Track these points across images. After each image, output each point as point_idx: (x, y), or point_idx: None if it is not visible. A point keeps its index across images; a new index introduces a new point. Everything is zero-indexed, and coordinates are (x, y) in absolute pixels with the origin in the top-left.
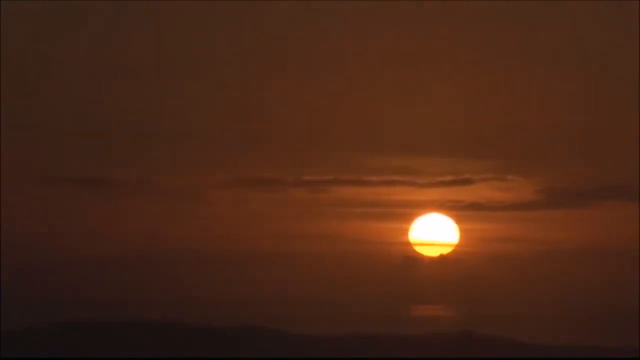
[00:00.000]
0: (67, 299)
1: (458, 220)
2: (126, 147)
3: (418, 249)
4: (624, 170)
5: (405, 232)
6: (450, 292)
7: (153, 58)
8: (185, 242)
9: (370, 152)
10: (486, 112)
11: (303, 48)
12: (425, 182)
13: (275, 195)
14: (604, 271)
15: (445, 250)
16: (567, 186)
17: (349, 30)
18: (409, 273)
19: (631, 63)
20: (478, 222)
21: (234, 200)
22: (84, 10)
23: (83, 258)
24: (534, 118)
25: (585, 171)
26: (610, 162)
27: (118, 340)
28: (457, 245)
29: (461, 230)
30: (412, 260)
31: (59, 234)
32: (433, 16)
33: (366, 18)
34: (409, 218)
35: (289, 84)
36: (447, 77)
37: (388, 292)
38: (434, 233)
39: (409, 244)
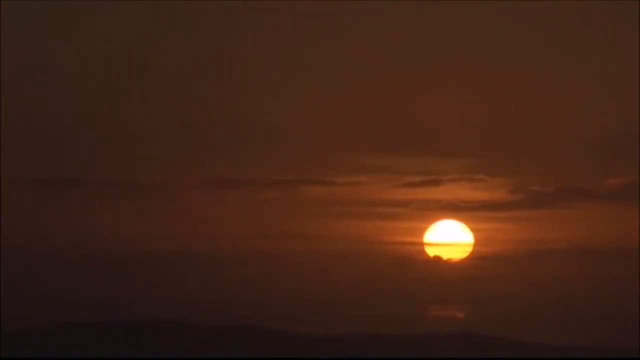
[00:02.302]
0: (67, 299)
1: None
2: (105, 148)
3: (409, 249)
4: (587, 171)
5: (393, 231)
6: (449, 293)
7: (136, 61)
8: (174, 241)
9: (344, 152)
10: (452, 111)
11: (274, 52)
12: (402, 182)
13: (249, 196)
14: (598, 271)
15: (445, 251)
16: (539, 187)
17: (317, 34)
18: (405, 273)
19: (601, 64)
20: (465, 223)
21: (217, 200)
22: (79, 12)
23: (71, 258)
24: (499, 117)
25: (551, 172)
26: (572, 163)
27: (118, 340)
28: (448, 245)
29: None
30: (407, 261)
31: (46, 235)
32: (403, 16)
33: (336, 20)
34: (391, 217)
35: (261, 86)
36: (415, 77)
37: (386, 292)
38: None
39: (398, 243)
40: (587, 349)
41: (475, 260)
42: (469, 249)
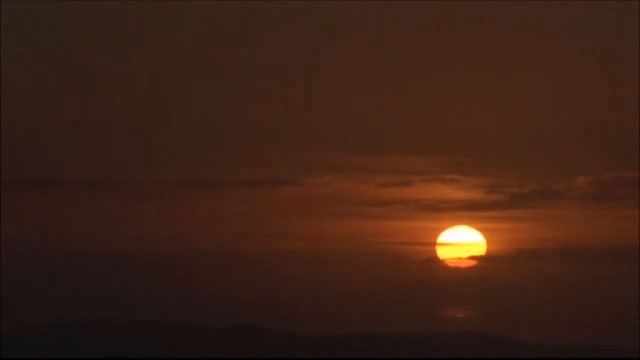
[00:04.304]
0: (67, 299)
1: (421, 219)
2: (87, 149)
3: (402, 249)
4: (557, 171)
5: (382, 231)
6: (447, 293)
7: (124, 63)
8: (159, 241)
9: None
10: (420, 111)
11: (255, 56)
12: (377, 182)
13: (226, 196)
14: (591, 270)
15: (438, 251)
16: (515, 187)
17: (293, 36)
18: (400, 274)
19: (575, 64)
20: (453, 223)
21: (195, 200)
22: (77, 12)
23: (65, 258)
24: (467, 116)
25: (523, 171)
26: (541, 163)
27: (118, 340)
28: (440, 245)
29: (435, 229)
30: (402, 261)
31: (39, 235)
32: (378, 18)
33: (310, 22)
34: (377, 217)
35: (239, 88)
36: (388, 76)
37: (383, 292)
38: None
39: (389, 243)
40: (587, 349)
41: (469, 260)
42: (463, 249)
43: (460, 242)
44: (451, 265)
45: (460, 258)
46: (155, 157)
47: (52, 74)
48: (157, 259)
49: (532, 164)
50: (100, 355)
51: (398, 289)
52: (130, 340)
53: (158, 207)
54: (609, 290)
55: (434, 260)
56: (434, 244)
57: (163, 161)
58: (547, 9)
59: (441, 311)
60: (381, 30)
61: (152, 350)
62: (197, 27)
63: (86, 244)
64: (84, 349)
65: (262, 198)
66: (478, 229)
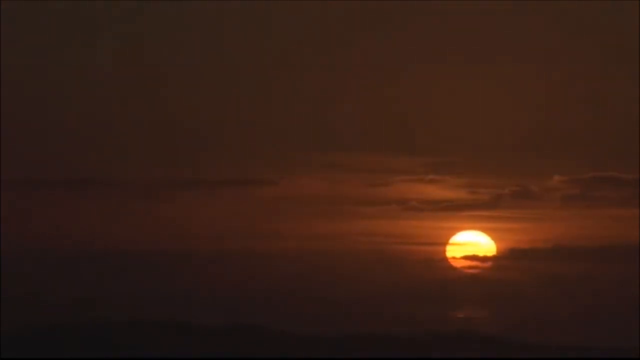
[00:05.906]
0: (67, 299)
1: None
2: (70, 148)
3: (397, 249)
4: (533, 171)
5: (374, 230)
6: (446, 293)
7: (118, 63)
8: (145, 240)
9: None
10: (402, 110)
11: (235, 54)
12: (359, 181)
13: (205, 196)
14: (586, 270)
15: (434, 251)
16: (495, 187)
17: (271, 34)
18: (396, 274)
19: (552, 66)
20: (444, 223)
21: (178, 200)
22: (78, 12)
23: (61, 258)
24: (443, 115)
25: (501, 171)
26: (520, 163)
27: (118, 340)
28: (436, 244)
29: (427, 227)
30: (398, 261)
31: (35, 235)
32: (359, 16)
33: (285, 20)
34: (366, 217)
35: (213, 87)
36: (365, 74)
37: (381, 292)
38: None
39: (386, 243)
40: (587, 349)
41: (467, 260)
42: (462, 249)
43: (459, 242)
44: (450, 265)
45: (455, 257)
46: (154, 157)
47: (51, 74)
48: (156, 258)
49: (508, 164)
50: (100, 355)
51: (397, 289)
52: (130, 340)
53: (156, 206)
54: (608, 289)
55: (431, 260)
56: (430, 244)
57: (162, 161)
58: (533, 10)
59: (440, 311)
60: (362, 29)
61: (152, 350)
62: (191, 27)
63: (86, 243)
64: (84, 349)
65: (248, 198)
66: (472, 229)
